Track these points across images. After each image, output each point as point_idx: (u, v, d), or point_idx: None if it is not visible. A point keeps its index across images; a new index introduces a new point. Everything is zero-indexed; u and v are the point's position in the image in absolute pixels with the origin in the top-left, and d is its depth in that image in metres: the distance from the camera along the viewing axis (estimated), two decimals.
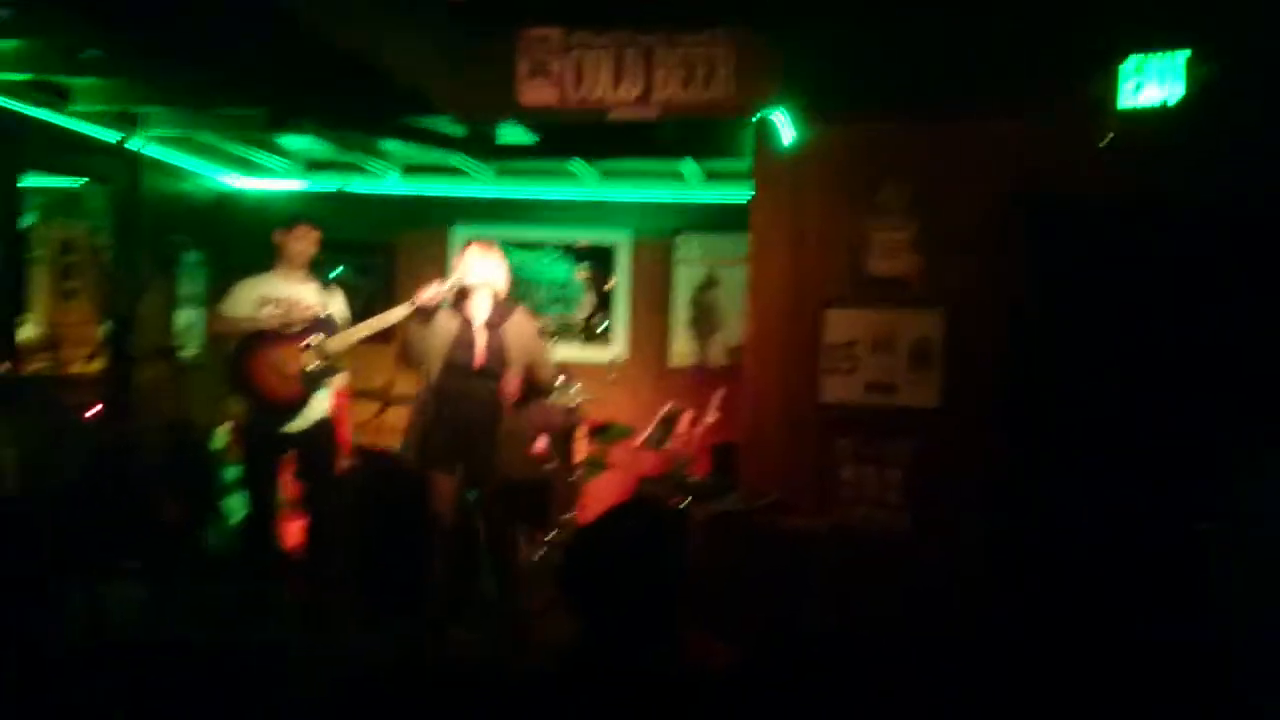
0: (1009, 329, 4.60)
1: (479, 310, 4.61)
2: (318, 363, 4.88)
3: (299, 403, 4.88)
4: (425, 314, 4.56)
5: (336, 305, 5.11)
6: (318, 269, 5.21)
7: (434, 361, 4.55)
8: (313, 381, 4.89)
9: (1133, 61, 4.25)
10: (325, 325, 4.95)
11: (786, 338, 4.97)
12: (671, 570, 2.04)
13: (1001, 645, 4.33)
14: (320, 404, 4.98)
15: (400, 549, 4.96)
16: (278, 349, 4.84)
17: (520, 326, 4.66)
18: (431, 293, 4.54)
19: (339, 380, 5.11)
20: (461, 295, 4.62)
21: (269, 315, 4.87)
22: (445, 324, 4.58)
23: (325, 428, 5.04)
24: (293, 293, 4.99)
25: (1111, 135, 4.31)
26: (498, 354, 4.57)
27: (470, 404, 4.54)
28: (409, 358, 4.64)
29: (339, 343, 4.92)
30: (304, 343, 4.86)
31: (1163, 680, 3.94)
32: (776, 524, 4.61)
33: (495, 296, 4.66)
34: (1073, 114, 4.41)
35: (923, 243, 4.76)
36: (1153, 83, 4.23)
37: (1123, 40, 4.29)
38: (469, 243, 4.78)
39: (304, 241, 5.02)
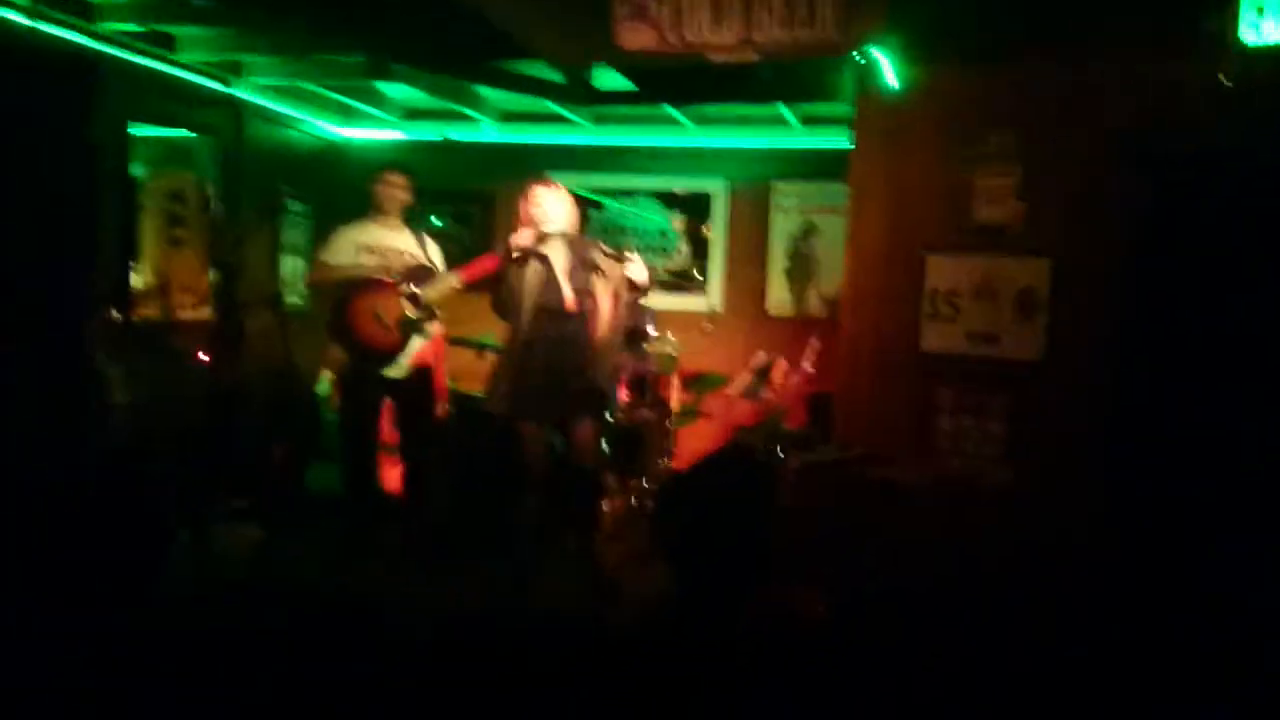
0: (1118, 280, 4.42)
1: (557, 253, 4.59)
2: (416, 310, 4.94)
3: (397, 350, 4.96)
4: (519, 261, 4.56)
5: (433, 253, 5.16)
6: (415, 217, 5.26)
7: (525, 308, 4.56)
8: (410, 329, 4.96)
9: None
10: (423, 273, 5.00)
11: (885, 286, 4.87)
12: (765, 520, 2.01)
13: (1103, 603, 4.22)
14: (418, 351, 5.05)
15: (492, 497, 5.02)
16: (377, 297, 4.90)
17: (601, 263, 4.63)
18: (526, 239, 4.53)
19: (436, 327, 5.17)
20: (539, 240, 4.60)
21: (368, 264, 4.95)
22: (532, 270, 4.57)
23: (423, 375, 5.12)
24: (391, 241, 5.06)
25: (1232, 75, 4.07)
26: (584, 295, 4.56)
27: (564, 349, 4.55)
28: (501, 306, 4.65)
29: (436, 290, 4.97)
30: (402, 290, 4.92)
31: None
32: (872, 475, 4.55)
33: (569, 236, 4.63)
34: (1189, 53, 4.18)
35: (1028, 189, 4.60)
36: (1276, 17, 3.97)
37: None
38: (531, 184, 4.68)
39: (396, 189, 5.07)
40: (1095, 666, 3.93)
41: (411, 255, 5.05)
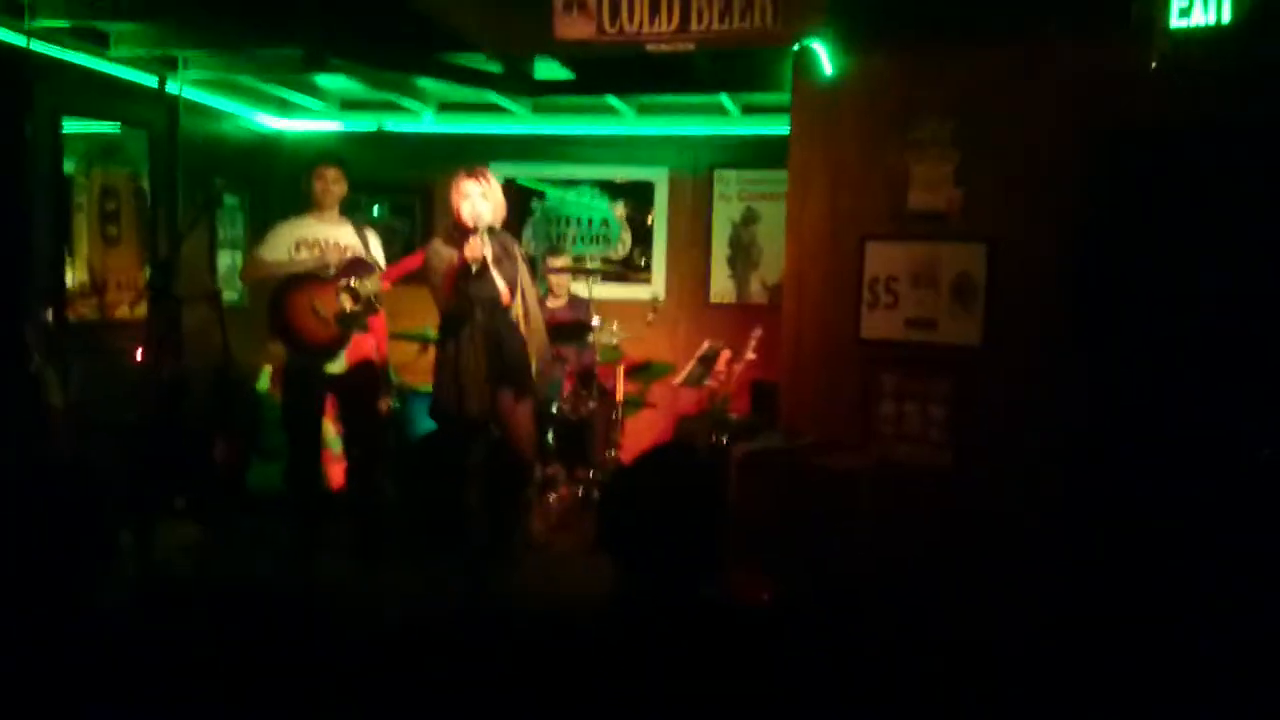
0: (1055, 264, 4.51)
1: (486, 246, 4.48)
2: (353, 304, 4.90)
3: (336, 344, 4.92)
4: (479, 271, 4.45)
5: (374, 246, 5.11)
6: (354, 210, 5.21)
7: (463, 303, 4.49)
8: (349, 322, 4.92)
9: None
10: (362, 267, 4.95)
11: (826, 273, 4.92)
12: (711, 509, 2.03)
13: (1043, 585, 4.32)
14: (359, 345, 5.01)
15: (439, 490, 5.00)
16: (314, 291, 4.86)
17: (518, 252, 4.68)
18: (478, 250, 4.40)
19: (378, 321, 5.13)
20: (462, 232, 4.52)
21: (305, 258, 4.90)
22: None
23: (366, 369, 5.08)
24: (329, 235, 5.01)
25: (1162, 58, 4.16)
26: (513, 286, 4.57)
27: (502, 340, 4.54)
28: (447, 305, 4.57)
29: (374, 284, 4.94)
30: (340, 284, 4.87)
31: (1220, 617, 3.91)
32: (817, 461, 4.60)
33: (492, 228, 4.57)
34: (1121, 37, 4.26)
35: (965, 175, 4.66)
36: (1203, 2, 4.06)
37: None
38: (459, 176, 4.59)
39: (331, 182, 5.02)
40: (1040, 653, 4.01)
41: (350, 248, 4.99)
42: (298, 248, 4.93)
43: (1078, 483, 4.41)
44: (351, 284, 4.87)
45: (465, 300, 4.47)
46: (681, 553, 1.97)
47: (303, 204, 5.07)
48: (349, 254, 4.96)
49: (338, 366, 4.96)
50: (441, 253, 4.54)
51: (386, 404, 6.08)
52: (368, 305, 4.94)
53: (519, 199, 7.23)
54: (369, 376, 5.13)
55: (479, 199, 4.50)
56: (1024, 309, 4.56)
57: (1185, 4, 4.04)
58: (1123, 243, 4.46)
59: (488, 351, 4.50)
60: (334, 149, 6.27)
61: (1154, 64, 4.10)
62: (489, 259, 4.46)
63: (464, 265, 4.42)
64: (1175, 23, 4.07)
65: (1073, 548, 4.37)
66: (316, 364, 4.90)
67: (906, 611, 4.24)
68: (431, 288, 4.59)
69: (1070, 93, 4.46)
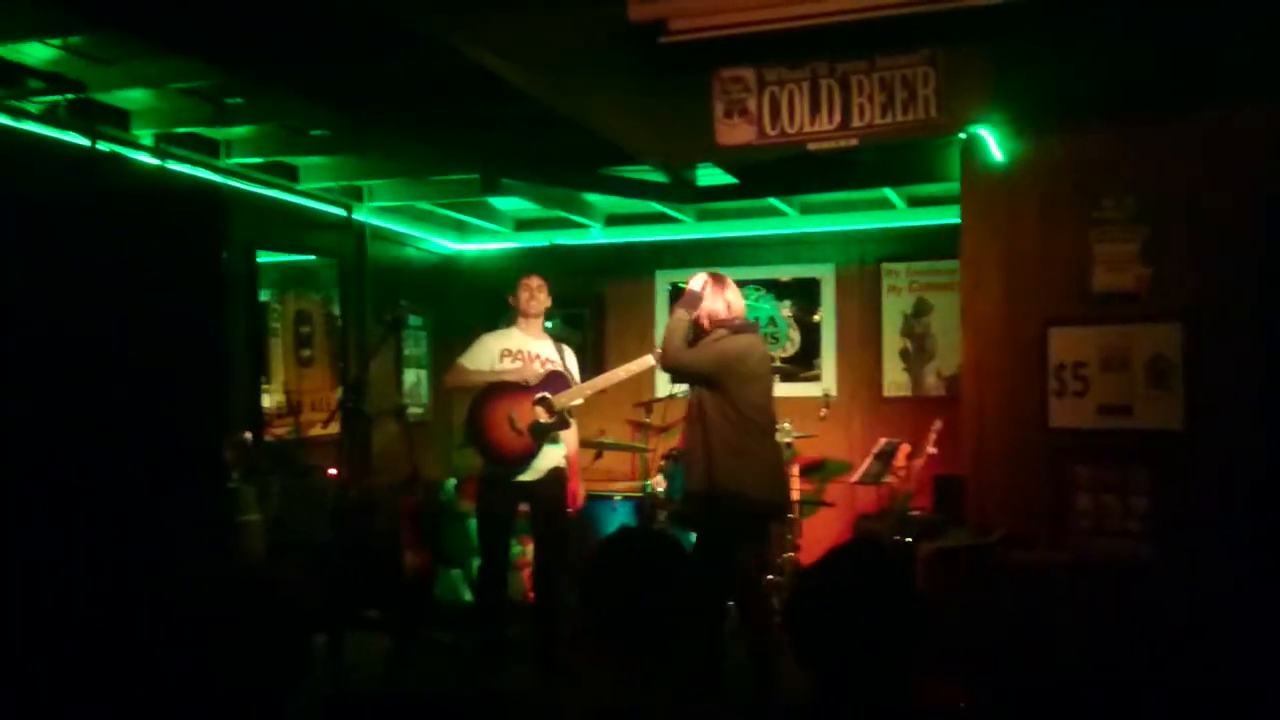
0: (1258, 340, 4.23)
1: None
2: (548, 417, 4.97)
3: (530, 455, 4.99)
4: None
5: (570, 361, 5.22)
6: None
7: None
8: (543, 434, 5.00)
9: None
10: (559, 379, 5.05)
11: (1008, 361, 4.75)
12: (904, 613, 1.94)
13: (1255, 688, 3.94)
14: (552, 456, 5.07)
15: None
16: (511, 402, 4.97)
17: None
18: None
19: (571, 434, 5.20)
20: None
21: (508, 367, 5.03)
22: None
23: (557, 477, 5.12)
24: (532, 346, 5.13)
25: None
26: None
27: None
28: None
29: (570, 397, 5.01)
30: (537, 396, 4.97)
31: None
32: (1008, 559, 4.39)
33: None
34: None
35: (1152, 252, 4.46)
36: None
37: None
38: (704, 281, 4.51)
39: (535, 290, 5.15)
40: None
41: (550, 361, 5.11)
42: (501, 357, 5.06)
43: None
44: (546, 395, 4.96)
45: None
46: (876, 658, 1.89)
47: (486, 320, 5.21)
48: (549, 366, 5.08)
49: (532, 475, 5.03)
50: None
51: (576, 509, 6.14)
52: (560, 419, 5.02)
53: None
54: (559, 485, 5.17)
55: (733, 294, 4.47)
56: (1226, 388, 4.29)
57: None
58: None
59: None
60: (511, 266, 6.50)
61: None
62: None
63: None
64: None
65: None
66: (510, 473, 4.99)
67: (1109, 713, 3.95)
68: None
69: (1260, 159, 4.24)
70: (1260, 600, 4.08)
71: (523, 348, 5.11)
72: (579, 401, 5.08)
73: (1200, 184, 4.38)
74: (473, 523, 5.63)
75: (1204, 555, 4.24)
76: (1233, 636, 4.08)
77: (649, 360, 4.92)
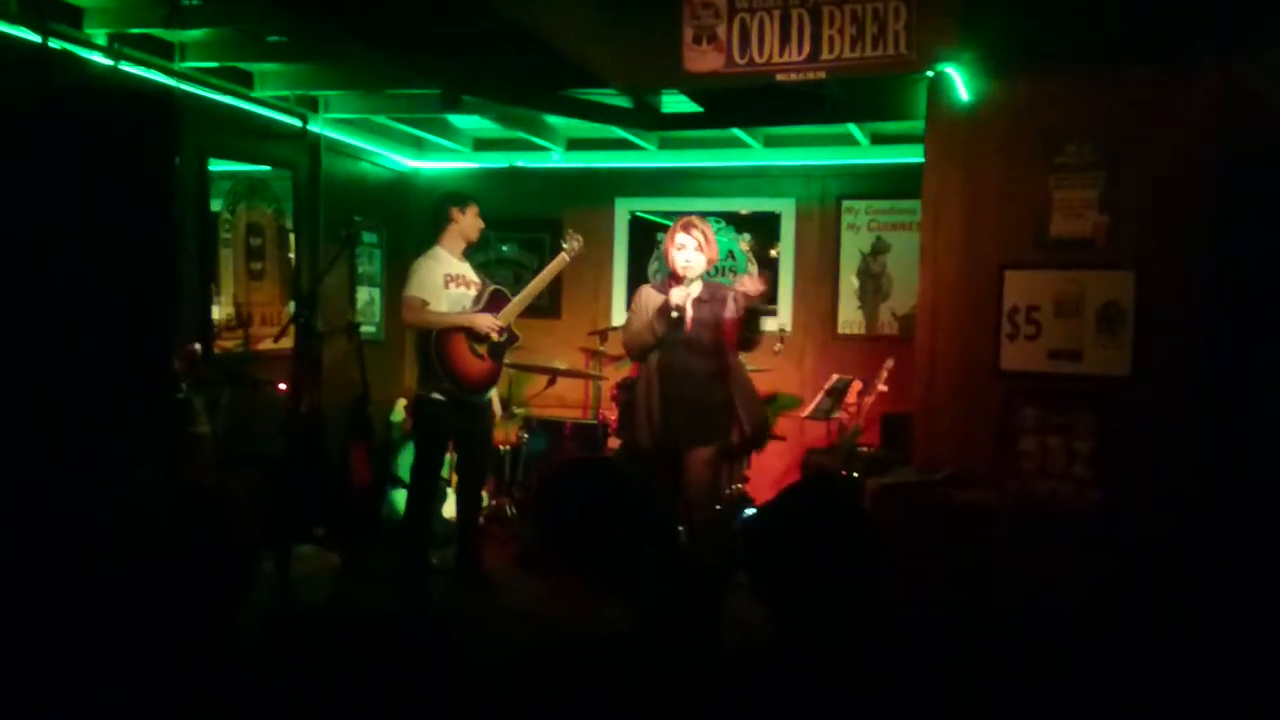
0: (1207, 290, 4.30)
1: (691, 295, 4.41)
2: (499, 336, 5.01)
3: (496, 375, 5.14)
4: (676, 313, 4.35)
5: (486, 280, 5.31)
6: (485, 245, 5.38)
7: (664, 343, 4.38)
8: (501, 352, 5.06)
9: None
10: (500, 297, 5.10)
11: (962, 303, 4.79)
12: (858, 545, 1.97)
13: (1195, 633, 4.08)
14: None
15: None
16: (467, 329, 4.98)
17: (726, 295, 4.48)
18: (681, 299, 4.32)
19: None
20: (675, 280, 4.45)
21: (455, 293, 5.05)
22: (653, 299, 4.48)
23: (490, 401, 5.25)
24: (465, 271, 5.17)
25: None
26: (706, 328, 4.39)
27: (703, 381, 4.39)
28: (637, 348, 4.48)
29: (513, 310, 5.07)
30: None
31: None
32: (953, 497, 4.46)
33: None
34: (1275, 55, 4.07)
35: (1111, 200, 4.50)
36: None
37: None
38: (675, 227, 4.47)
39: (476, 219, 5.17)
40: (1190, 701, 3.79)
41: (482, 283, 5.18)
42: (446, 284, 5.05)
43: (1227, 524, 4.17)
44: (493, 317, 5.00)
45: (658, 342, 4.39)
46: (835, 594, 1.91)
47: (435, 236, 5.16)
48: (489, 287, 5.10)
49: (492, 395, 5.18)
50: (654, 298, 4.46)
51: (516, 435, 6.16)
52: (510, 333, 5.09)
53: (644, 233, 7.27)
54: (490, 408, 5.27)
55: (694, 252, 4.39)
56: (1174, 337, 4.36)
57: None
58: (1275, 269, 4.23)
59: (680, 391, 4.38)
60: (467, 185, 6.40)
61: None
62: (687, 309, 4.35)
63: (667, 310, 4.33)
64: None
65: (1219, 584, 4.12)
66: (474, 400, 5.05)
67: (1048, 653, 4.06)
68: (627, 330, 4.53)
69: (1221, 113, 4.27)
70: (1197, 547, 4.20)
71: (461, 272, 5.17)
72: (523, 307, 5.16)
73: (1156, 136, 4.40)
74: None
75: (1144, 500, 4.34)
76: (1170, 581, 4.20)
77: (565, 258, 5.17)
